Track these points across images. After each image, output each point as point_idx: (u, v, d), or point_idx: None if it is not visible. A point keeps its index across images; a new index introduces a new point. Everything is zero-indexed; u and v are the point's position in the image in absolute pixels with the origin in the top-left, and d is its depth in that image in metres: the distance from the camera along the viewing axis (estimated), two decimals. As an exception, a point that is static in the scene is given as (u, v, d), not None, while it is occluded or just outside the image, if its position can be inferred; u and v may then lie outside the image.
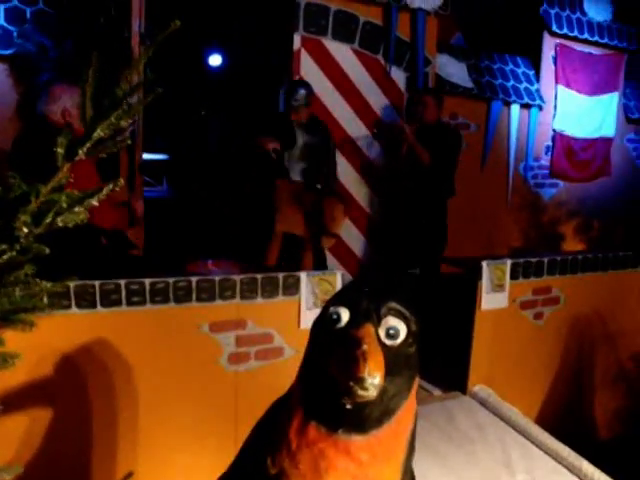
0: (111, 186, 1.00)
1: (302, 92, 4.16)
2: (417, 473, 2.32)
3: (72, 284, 2.49)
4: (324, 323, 1.24)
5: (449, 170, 4.44)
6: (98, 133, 1.03)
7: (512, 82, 5.69)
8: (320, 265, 4.24)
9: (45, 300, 1.96)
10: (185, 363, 2.78)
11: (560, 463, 3.00)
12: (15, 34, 3.73)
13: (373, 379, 1.06)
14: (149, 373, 2.70)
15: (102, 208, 1.14)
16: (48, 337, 2.11)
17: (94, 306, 2.56)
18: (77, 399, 2.60)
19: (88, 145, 1.03)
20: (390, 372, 1.16)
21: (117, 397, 2.66)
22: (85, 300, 2.53)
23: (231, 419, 2.85)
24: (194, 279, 2.75)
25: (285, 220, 4.14)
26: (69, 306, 2.50)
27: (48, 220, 1.00)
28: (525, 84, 5.78)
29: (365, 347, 1.08)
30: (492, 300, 3.61)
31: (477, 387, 3.62)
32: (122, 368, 2.66)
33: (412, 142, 4.31)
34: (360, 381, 1.06)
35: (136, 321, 2.66)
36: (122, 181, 1.02)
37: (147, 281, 2.65)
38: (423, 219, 4.42)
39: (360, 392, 1.07)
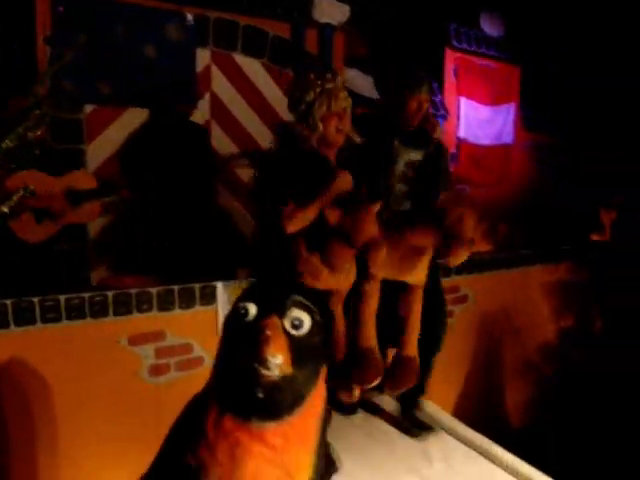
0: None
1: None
2: (342, 470, 2.42)
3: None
4: (234, 318, 1.32)
5: None
6: (6, 144, 1.07)
7: (417, 94, 5.91)
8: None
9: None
10: (105, 377, 2.77)
11: (475, 450, 3.15)
12: None
13: (275, 359, 1.15)
14: (69, 390, 2.68)
15: None
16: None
17: (7, 326, 2.53)
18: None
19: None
20: (298, 360, 1.25)
21: (37, 415, 2.63)
22: (-4, 320, 2.50)
23: (153, 430, 2.83)
24: (110, 293, 2.75)
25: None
26: (-20, 327, 2.46)
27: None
28: (429, 95, 6.01)
29: (268, 332, 1.18)
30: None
31: (394, 385, 3.73)
32: (41, 386, 2.62)
33: None
34: (263, 362, 1.15)
35: (52, 338, 2.64)
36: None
37: (62, 297, 2.64)
38: None
39: (264, 372, 1.16)
